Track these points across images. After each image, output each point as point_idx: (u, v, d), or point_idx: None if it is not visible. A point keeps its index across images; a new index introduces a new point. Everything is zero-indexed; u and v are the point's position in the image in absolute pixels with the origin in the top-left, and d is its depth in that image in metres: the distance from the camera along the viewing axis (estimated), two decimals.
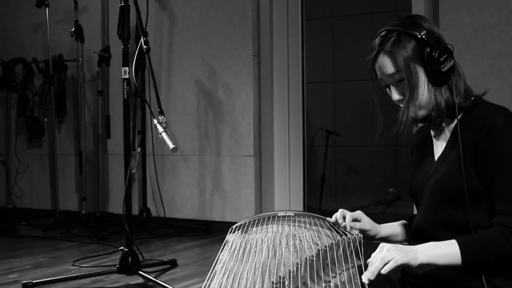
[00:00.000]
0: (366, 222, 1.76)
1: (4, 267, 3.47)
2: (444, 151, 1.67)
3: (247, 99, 4.51)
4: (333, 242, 1.61)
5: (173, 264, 3.45)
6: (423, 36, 1.57)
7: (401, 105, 1.64)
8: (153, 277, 2.99)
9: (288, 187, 4.60)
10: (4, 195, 5.48)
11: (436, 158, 1.70)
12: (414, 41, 1.59)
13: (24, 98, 5.29)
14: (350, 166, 5.62)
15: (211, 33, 4.65)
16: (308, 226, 1.72)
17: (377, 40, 1.64)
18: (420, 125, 1.77)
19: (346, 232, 1.73)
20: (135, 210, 4.73)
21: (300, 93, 4.59)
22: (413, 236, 1.75)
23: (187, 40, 4.75)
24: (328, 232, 1.84)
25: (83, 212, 4.97)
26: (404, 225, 1.87)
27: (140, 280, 3.04)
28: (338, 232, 1.75)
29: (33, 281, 2.97)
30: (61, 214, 5.12)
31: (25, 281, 2.98)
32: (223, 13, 4.60)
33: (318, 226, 1.72)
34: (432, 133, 1.74)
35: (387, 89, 1.68)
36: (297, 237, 1.80)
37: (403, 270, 1.74)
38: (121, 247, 3.04)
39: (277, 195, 4.61)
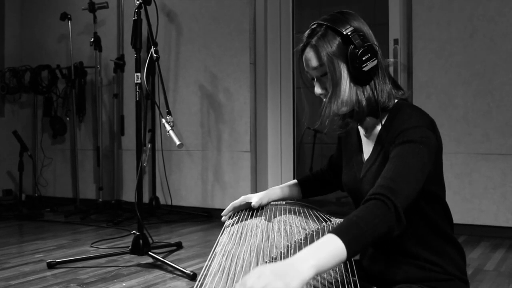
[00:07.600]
0: (250, 198, 1.71)
1: (31, 248, 3.46)
2: (372, 154, 1.49)
3: (244, 101, 4.50)
4: (319, 227, 1.60)
5: (178, 246, 3.44)
6: (349, 33, 1.39)
7: (324, 100, 1.46)
8: (161, 257, 2.98)
9: (280, 179, 4.59)
10: (31, 184, 5.46)
11: (365, 158, 1.52)
12: (339, 38, 1.40)
13: (49, 100, 5.28)
14: None
15: (213, 43, 4.64)
16: (297, 213, 1.71)
17: (306, 33, 1.46)
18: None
19: (331, 219, 1.72)
20: (146, 198, 4.73)
21: (291, 96, 4.58)
22: None
23: (192, 49, 4.73)
24: (314, 218, 1.84)
25: (100, 200, 4.96)
26: (298, 185, 1.79)
27: (150, 260, 3.03)
28: (323, 219, 1.75)
29: (56, 260, 2.97)
30: (81, 201, 5.11)
31: (49, 260, 2.97)
32: (223, 26, 4.59)
33: (306, 213, 1.72)
34: (362, 131, 1.55)
35: (313, 82, 1.50)
36: (288, 223, 1.80)
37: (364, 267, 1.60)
38: (133, 231, 3.03)
39: (270, 186, 4.60)
